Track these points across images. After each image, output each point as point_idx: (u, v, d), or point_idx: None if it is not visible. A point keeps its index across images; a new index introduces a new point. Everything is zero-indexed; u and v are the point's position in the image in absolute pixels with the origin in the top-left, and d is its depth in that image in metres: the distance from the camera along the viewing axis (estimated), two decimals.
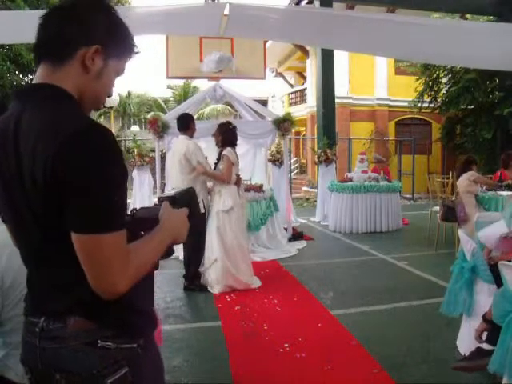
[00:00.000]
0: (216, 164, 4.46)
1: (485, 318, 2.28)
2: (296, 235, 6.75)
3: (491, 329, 2.20)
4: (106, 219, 0.85)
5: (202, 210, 4.29)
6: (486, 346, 2.28)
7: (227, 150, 4.30)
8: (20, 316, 1.26)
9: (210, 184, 4.51)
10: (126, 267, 0.87)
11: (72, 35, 0.93)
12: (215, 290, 4.23)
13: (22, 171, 0.88)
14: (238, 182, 4.44)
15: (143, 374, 0.99)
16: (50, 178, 0.83)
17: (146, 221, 1.05)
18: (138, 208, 1.11)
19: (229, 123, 4.58)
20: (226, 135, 4.41)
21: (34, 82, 0.96)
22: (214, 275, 4.28)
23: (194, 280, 4.34)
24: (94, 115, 11.64)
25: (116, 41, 0.98)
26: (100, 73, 0.97)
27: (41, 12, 0.98)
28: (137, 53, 1.05)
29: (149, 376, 1.02)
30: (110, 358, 0.92)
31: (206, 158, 4.43)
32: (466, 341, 2.69)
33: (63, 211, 0.85)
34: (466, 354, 2.52)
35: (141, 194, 7.89)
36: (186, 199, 1.19)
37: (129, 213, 1.09)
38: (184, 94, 20.23)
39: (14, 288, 1.45)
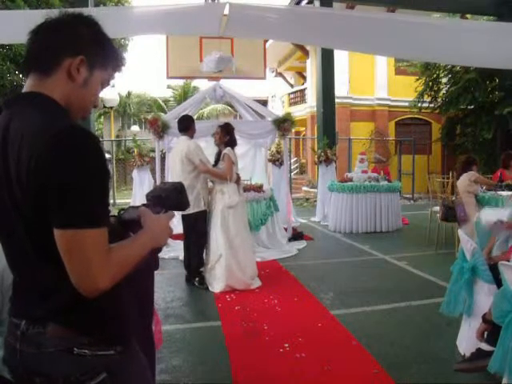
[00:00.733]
0: (215, 165, 4.49)
1: (485, 319, 2.28)
2: (296, 235, 6.75)
3: (491, 329, 2.20)
4: (87, 215, 0.88)
5: (204, 208, 4.35)
6: (485, 346, 2.28)
7: (227, 149, 4.36)
8: None
9: (210, 184, 4.54)
10: (106, 264, 0.89)
11: (58, 47, 0.99)
12: (216, 288, 4.23)
13: (9, 176, 0.92)
14: (238, 180, 4.49)
15: (125, 379, 1.02)
16: (33, 176, 0.87)
17: (134, 222, 1.06)
18: (125, 208, 1.11)
19: (227, 123, 4.65)
20: (233, 134, 4.50)
21: (22, 91, 1.01)
22: (218, 273, 4.29)
23: (196, 276, 4.39)
24: (93, 115, 11.65)
25: (100, 52, 1.04)
26: (86, 82, 1.03)
27: (41, 12, 1.00)
28: (123, 63, 1.12)
29: (132, 381, 1.05)
30: (87, 364, 0.95)
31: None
32: (466, 341, 2.69)
33: (46, 211, 0.88)
34: (466, 354, 2.53)
35: (141, 194, 7.87)
36: (174, 196, 1.19)
37: (116, 214, 1.09)
38: (184, 94, 20.25)
39: None
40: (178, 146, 4.61)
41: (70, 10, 1.10)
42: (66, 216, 0.87)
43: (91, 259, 0.87)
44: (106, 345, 0.98)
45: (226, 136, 4.45)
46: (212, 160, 4.55)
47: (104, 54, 1.05)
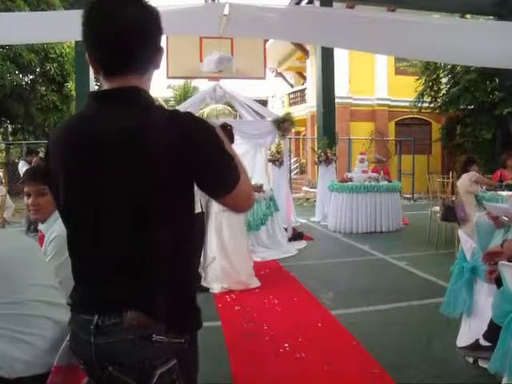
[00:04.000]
0: None
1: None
2: (296, 235, 6.75)
3: (491, 327, 2.21)
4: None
5: (200, 210, 4.26)
6: (483, 341, 2.30)
7: None
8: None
9: None
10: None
11: (156, 48, 1.06)
12: (215, 289, 4.23)
13: (125, 162, 0.94)
14: None
15: (188, 367, 1.06)
16: (179, 155, 0.93)
17: None
18: None
19: (224, 123, 4.57)
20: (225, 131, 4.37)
21: (120, 85, 1.00)
22: (212, 274, 4.31)
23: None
24: None
25: None
26: None
27: (41, 13, 0.99)
28: None
29: (191, 369, 1.10)
30: (162, 350, 0.98)
31: None
32: (466, 341, 2.69)
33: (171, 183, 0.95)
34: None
35: None
36: None
37: None
38: (184, 94, 20.25)
39: None
40: None
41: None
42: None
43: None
44: (178, 333, 1.01)
45: None
46: None
47: None
